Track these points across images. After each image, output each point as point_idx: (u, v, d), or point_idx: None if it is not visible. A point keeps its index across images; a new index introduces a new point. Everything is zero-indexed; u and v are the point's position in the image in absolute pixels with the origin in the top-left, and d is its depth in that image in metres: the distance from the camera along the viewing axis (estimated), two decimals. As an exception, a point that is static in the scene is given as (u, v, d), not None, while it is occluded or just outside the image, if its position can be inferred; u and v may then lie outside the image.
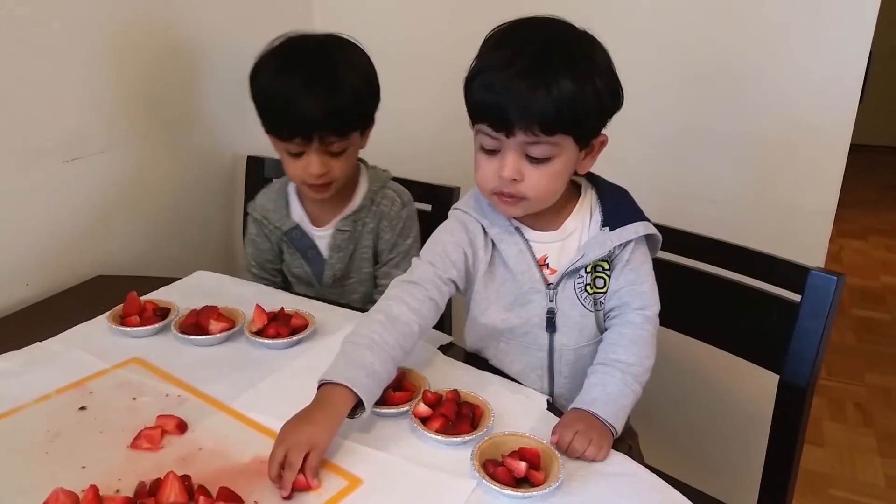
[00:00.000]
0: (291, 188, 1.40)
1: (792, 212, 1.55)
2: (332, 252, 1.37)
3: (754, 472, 1.47)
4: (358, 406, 0.89)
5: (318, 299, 1.28)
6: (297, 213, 1.38)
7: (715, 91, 1.55)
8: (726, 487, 1.29)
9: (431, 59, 1.81)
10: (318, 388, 0.90)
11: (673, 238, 1.17)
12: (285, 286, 1.46)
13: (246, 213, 1.67)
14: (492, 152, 0.97)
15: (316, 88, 1.18)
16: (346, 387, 0.87)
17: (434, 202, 1.51)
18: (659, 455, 1.18)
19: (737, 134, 1.56)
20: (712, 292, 1.23)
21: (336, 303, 1.28)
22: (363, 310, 1.23)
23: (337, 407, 0.87)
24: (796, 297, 1.12)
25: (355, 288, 1.43)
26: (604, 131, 1.00)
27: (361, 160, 1.40)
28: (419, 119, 1.84)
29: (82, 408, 0.96)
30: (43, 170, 1.32)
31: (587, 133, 0.97)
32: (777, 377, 1.15)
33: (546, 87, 0.89)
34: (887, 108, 4.55)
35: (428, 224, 1.48)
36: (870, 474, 2.05)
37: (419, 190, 1.50)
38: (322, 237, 1.38)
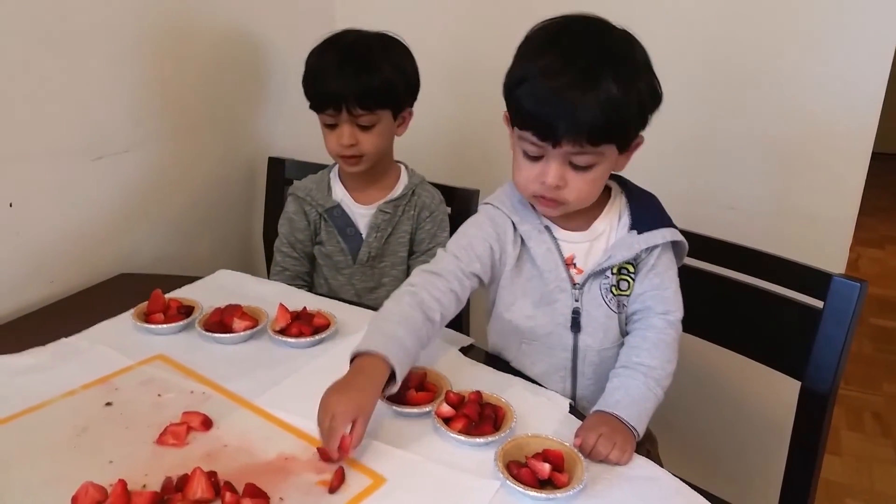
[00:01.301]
0: (334, 173, 1.48)
1: (811, 219, 1.54)
2: (370, 231, 1.43)
3: (772, 479, 1.47)
4: (388, 381, 0.90)
5: (341, 298, 1.30)
6: (339, 194, 1.46)
7: (734, 95, 1.55)
8: (744, 494, 1.29)
9: (450, 61, 1.82)
10: (352, 360, 0.91)
11: (694, 242, 1.16)
12: (311, 270, 1.51)
13: (266, 211, 1.70)
14: (534, 158, 0.98)
15: (347, 67, 1.31)
16: (381, 357, 0.89)
17: (454, 204, 1.52)
18: (677, 460, 1.17)
19: (756, 139, 1.55)
20: (733, 297, 1.22)
21: (357, 303, 1.29)
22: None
23: (375, 375, 0.88)
24: (818, 304, 1.12)
25: (387, 271, 1.47)
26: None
27: (401, 162, 1.49)
28: (434, 121, 1.85)
29: (108, 403, 0.97)
30: (69, 168, 1.33)
31: (630, 138, 0.97)
32: (797, 384, 1.14)
33: (595, 99, 0.89)
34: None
35: (451, 225, 1.50)
36: (887, 484, 2.03)
37: (441, 192, 1.51)
38: (363, 216, 1.44)
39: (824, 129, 1.48)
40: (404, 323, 0.94)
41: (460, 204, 1.52)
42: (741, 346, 1.24)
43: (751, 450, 1.65)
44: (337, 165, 1.47)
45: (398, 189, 1.46)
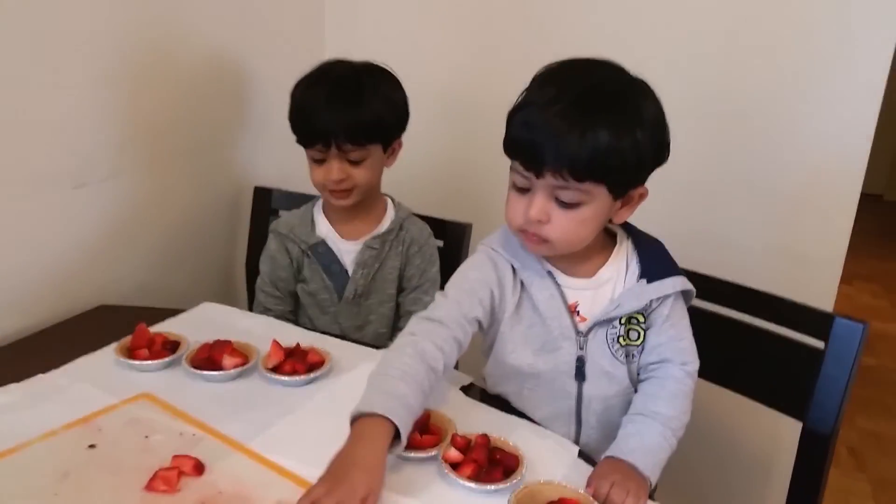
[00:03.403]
0: (317, 208, 1.43)
1: (800, 259, 1.55)
2: (357, 267, 1.38)
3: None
4: (393, 439, 0.85)
5: (332, 334, 1.26)
6: (324, 229, 1.40)
7: (725, 137, 1.56)
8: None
9: (439, 89, 1.80)
10: (352, 421, 0.86)
11: (694, 281, 1.15)
12: (295, 309, 1.46)
13: (250, 242, 1.65)
14: (523, 190, 0.95)
15: (337, 102, 1.26)
16: (384, 418, 0.84)
17: (446, 238, 1.49)
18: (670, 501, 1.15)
19: (746, 181, 1.56)
20: (732, 337, 1.22)
21: (350, 339, 1.25)
22: (378, 347, 1.20)
23: (380, 443, 0.83)
24: (817, 343, 1.11)
25: (374, 308, 1.42)
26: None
27: (389, 196, 1.45)
28: (421, 151, 1.83)
29: (91, 445, 0.91)
30: (50, 196, 1.28)
31: (622, 184, 0.94)
32: (792, 424, 1.13)
33: (581, 132, 0.87)
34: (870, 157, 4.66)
35: (441, 259, 1.47)
36: (865, 519, 2.04)
37: (431, 225, 1.49)
38: (349, 252, 1.39)
39: (814, 171, 1.50)
40: (406, 378, 0.89)
41: (451, 238, 1.49)
42: (740, 386, 1.23)
43: (743, 490, 1.63)
44: (321, 199, 1.42)
45: (385, 223, 1.41)
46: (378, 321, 1.43)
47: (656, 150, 0.93)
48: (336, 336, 1.24)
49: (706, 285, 1.22)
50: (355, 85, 1.29)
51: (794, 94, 1.48)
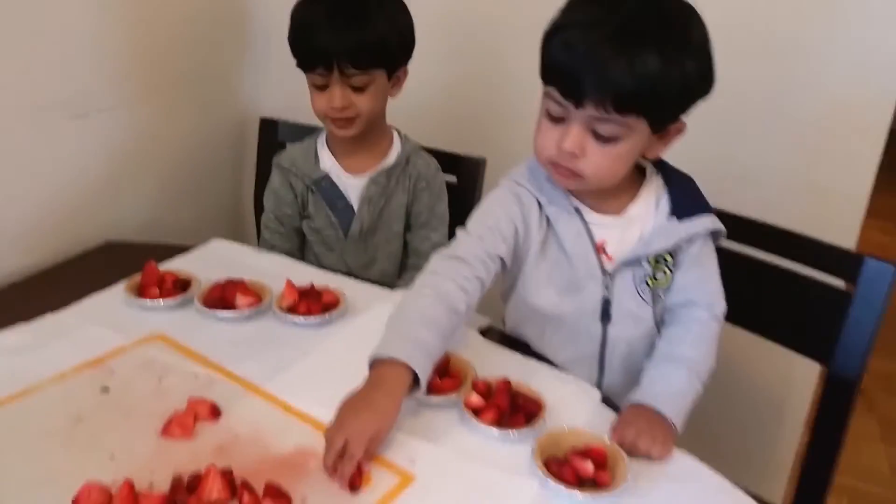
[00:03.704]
0: (321, 141, 1.37)
1: (823, 193, 1.50)
2: (362, 204, 1.33)
3: (781, 463, 1.44)
4: (412, 384, 0.83)
5: (340, 271, 1.23)
6: (328, 163, 1.35)
7: (745, 62, 1.47)
8: (751, 479, 1.27)
9: (449, 14, 1.71)
10: (371, 365, 0.84)
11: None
12: (301, 246, 1.42)
13: (258, 176, 1.60)
14: (557, 119, 0.90)
15: (338, 19, 1.19)
16: (403, 364, 0.81)
17: (459, 174, 1.44)
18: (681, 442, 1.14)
19: (771, 111, 1.49)
20: (756, 277, 1.17)
21: (365, 279, 1.21)
22: (392, 286, 1.18)
23: (396, 388, 0.81)
24: (837, 282, 1.08)
25: (381, 245, 1.38)
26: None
27: (395, 128, 1.38)
28: (430, 81, 1.76)
29: (104, 389, 0.89)
30: (47, 126, 1.23)
31: (664, 117, 0.89)
32: (811, 367, 1.11)
33: (629, 59, 0.81)
34: None
35: (454, 197, 1.42)
36: (874, 460, 2.05)
37: (444, 160, 1.43)
38: (354, 187, 1.34)
39: (841, 102, 1.43)
40: (427, 322, 0.86)
41: (465, 174, 1.44)
42: (760, 327, 1.20)
43: (755, 431, 1.62)
44: (325, 131, 1.36)
45: (391, 157, 1.35)
46: (385, 259, 1.39)
47: (701, 80, 0.88)
48: (355, 276, 1.21)
49: (729, 222, 1.18)
50: (358, 3, 1.21)
51: (821, 21, 1.40)
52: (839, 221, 1.50)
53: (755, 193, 1.53)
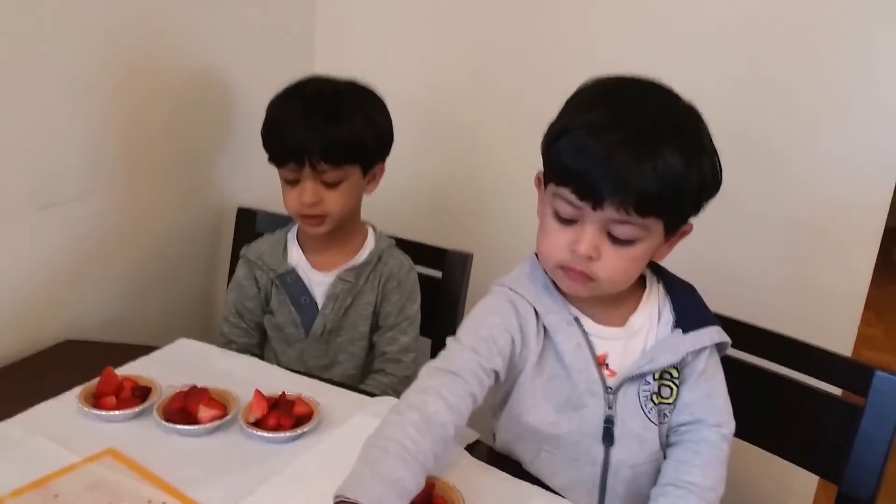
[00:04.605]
0: (291, 235, 1.33)
1: (819, 295, 1.47)
2: (327, 301, 1.28)
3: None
4: None
5: (298, 372, 1.16)
6: (295, 257, 1.31)
7: (742, 165, 1.46)
8: None
9: (432, 113, 1.70)
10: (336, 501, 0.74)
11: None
12: (261, 342, 1.35)
13: (231, 270, 1.53)
14: (567, 221, 0.85)
15: (313, 115, 1.17)
16: None
17: (444, 268, 1.38)
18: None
19: (763, 211, 1.48)
20: (762, 388, 1.11)
21: (342, 385, 1.13)
22: (372, 394, 1.10)
23: None
24: (835, 390, 1.04)
25: (344, 346, 1.31)
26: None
27: (371, 224, 1.34)
28: (418, 177, 1.73)
29: (45, 516, 0.80)
30: (10, 217, 1.16)
31: (681, 218, 0.86)
32: (802, 473, 1.05)
33: (652, 162, 0.78)
34: None
35: (438, 293, 1.36)
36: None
37: (427, 254, 1.38)
38: (320, 283, 1.29)
39: (835, 204, 1.42)
40: (408, 458, 0.76)
41: (451, 269, 1.38)
42: (764, 441, 1.13)
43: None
44: (297, 225, 1.31)
45: (363, 254, 1.30)
46: (347, 361, 1.32)
47: (713, 180, 0.85)
48: (333, 382, 1.13)
49: (732, 329, 1.12)
50: (334, 100, 1.20)
51: (815, 124, 1.40)
52: (835, 322, 1.46)
53: (749, 296, 1.49)
